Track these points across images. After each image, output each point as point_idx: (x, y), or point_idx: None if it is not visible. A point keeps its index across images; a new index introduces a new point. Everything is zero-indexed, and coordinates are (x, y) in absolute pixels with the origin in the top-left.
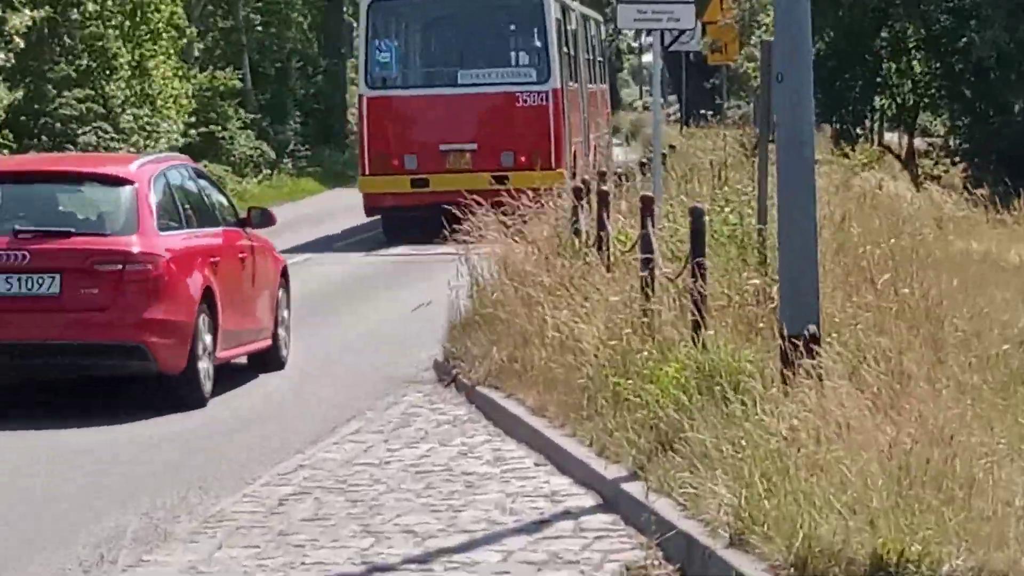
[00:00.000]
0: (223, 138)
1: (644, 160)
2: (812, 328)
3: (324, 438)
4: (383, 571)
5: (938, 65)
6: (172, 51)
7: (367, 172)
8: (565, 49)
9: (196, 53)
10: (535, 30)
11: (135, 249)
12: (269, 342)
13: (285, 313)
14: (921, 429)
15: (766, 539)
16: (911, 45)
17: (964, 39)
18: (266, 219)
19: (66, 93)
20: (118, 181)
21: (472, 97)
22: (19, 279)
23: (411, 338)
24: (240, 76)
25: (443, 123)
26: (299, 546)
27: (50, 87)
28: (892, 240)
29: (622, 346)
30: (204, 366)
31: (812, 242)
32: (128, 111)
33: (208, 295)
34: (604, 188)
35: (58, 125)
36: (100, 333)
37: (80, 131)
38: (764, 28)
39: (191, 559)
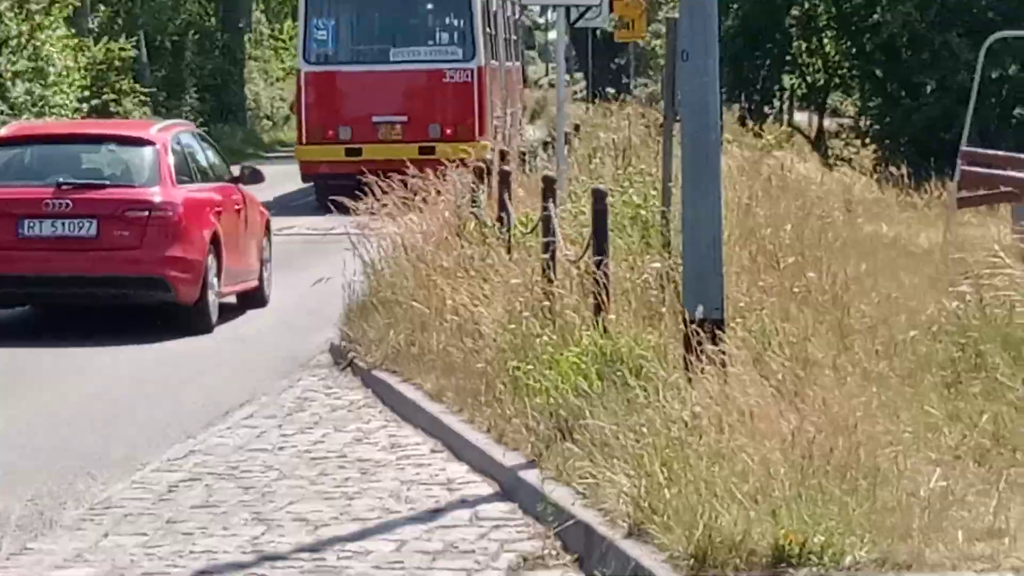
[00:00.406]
0: (117, 113)
1: (548, 139)
2: (716, 313)
3: (216, 423)
4: (274, 560)
5: (849, 44)
6: (61, 19)
7: (304, 141)
8: (487, 29)
9: (91, 25)
10: (461, 11)
11: (158, 199)
12: (257, 283)
13: (268, 259)
14: (825, 417)
15: (666, 529)
16: (822, 23)
17: (875, 17)
18: (255, 177)
19: None
20: (142, 142)
21: (402, 73)
22: (63, 223)
23: (307, 320)
24: (135, 47)
25: (375, 97)
26: (188, 534)
27: None
28: (800, 223)
29: (522, 330)
30: (212, 299)
31: (717, 225)
32: (20, 85)
33: (215, 239)
34: (505, 168)
35: None
36: (130, 268)
37: None
38: (672, 5)
39: (77, 547)
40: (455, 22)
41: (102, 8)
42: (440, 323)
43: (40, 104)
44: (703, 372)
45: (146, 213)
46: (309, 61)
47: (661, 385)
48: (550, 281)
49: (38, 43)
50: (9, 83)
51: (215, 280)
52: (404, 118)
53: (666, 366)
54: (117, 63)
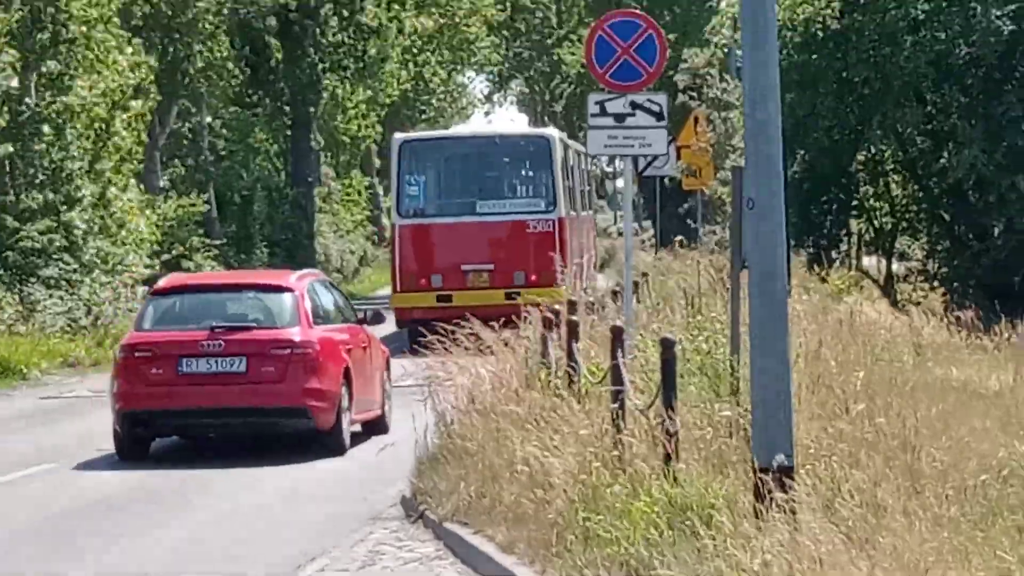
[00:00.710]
0: (188, 269)
1: (616, 288)
2: (785, 461)
3: None
4: None
5: (916, 188)
6: (132, 177)
7: (399, 289)
8: (566, 181)
9: (161, 183)
10: (542, 165)
11: (298, 338)
12: (380, 412)
13: (389, 391)
14: (897, 563)
15: None
16: (888, 168)
17: (941, 161)
18: (377, 319)
19: (28, 226)
20: (282, 289)
21: (489, 224)
22: (217, 361)
23: (377, 473)
24: (206, 202)
25: (464, 247)
26: None
27: (11, 219)
28: (869, 368)
29: (592, 480)
30: (346, 425)
31: (785, 373)
32: (91, 243)
33: (347, 372)
34: (573, 318)
35: (19, 258)
36: (276, 399)
37: (42, 264)
38: (738, 153)
39: None
40: (537, 175)
41: (174, 166)
42: (511, 474)
43: (112, 262)
44: (773, 520)
45: (288, 351)
46: (402, 215)
47: (731, 534)
48: (619, 431)
49: (109, 202)
50: (80, 241)
51: (347, 409)
52: (491, 266)
53: (736, 514)
54: (188, 220)
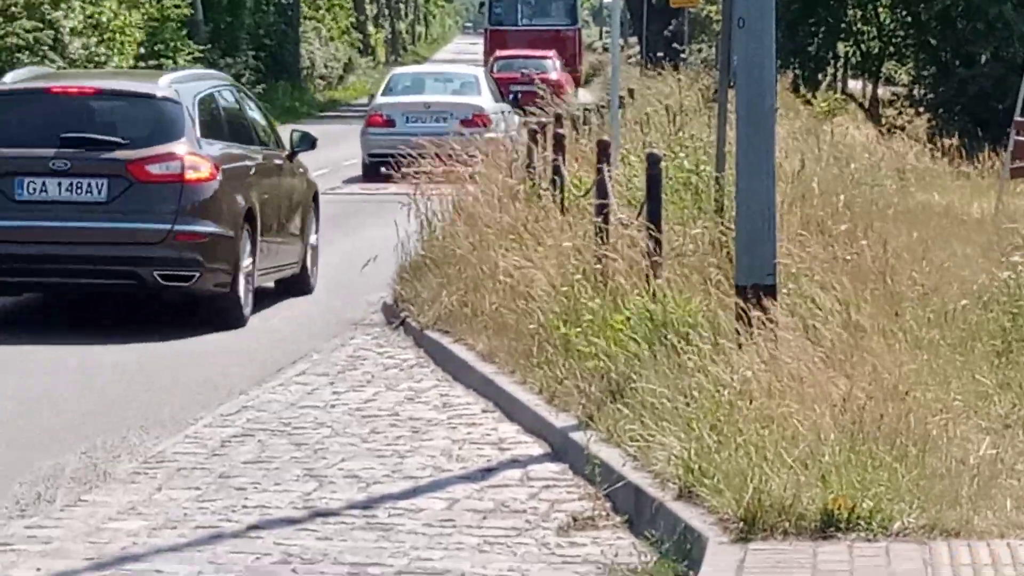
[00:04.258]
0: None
1: (602, 104)
2: (768, 279)
3: (269, 380)
4: (326, 516)
5: (904, 13)
6: None
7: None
8: (580, 9)
9: None
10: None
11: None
12: None
13: None
14: (875, 384)
15: (716, 492)
16: None
17: None
18: None
19: (14, 23)
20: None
21: (540, 30)
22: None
23: (360, 280)
24: (191, 4)
25: (527, 43)
26: (241, 489)
27: None
28: (852, 191)
29: (573, 293)
30: None
31: (770, 192)
32: (77, 41)
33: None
34: (560, 131)
35: (4, 55)
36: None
37: (28, 61)
38: None
39: (131, 499)
40: (565, 4)
41: None
42: (493, 285)
43: (96, 60)
44: (753, 338)
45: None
46: (491, 23)
47: (711, 350)
48: (602, 245)
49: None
50: (66, 38)
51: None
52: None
53: (716, 331)
54: (172, 21)
